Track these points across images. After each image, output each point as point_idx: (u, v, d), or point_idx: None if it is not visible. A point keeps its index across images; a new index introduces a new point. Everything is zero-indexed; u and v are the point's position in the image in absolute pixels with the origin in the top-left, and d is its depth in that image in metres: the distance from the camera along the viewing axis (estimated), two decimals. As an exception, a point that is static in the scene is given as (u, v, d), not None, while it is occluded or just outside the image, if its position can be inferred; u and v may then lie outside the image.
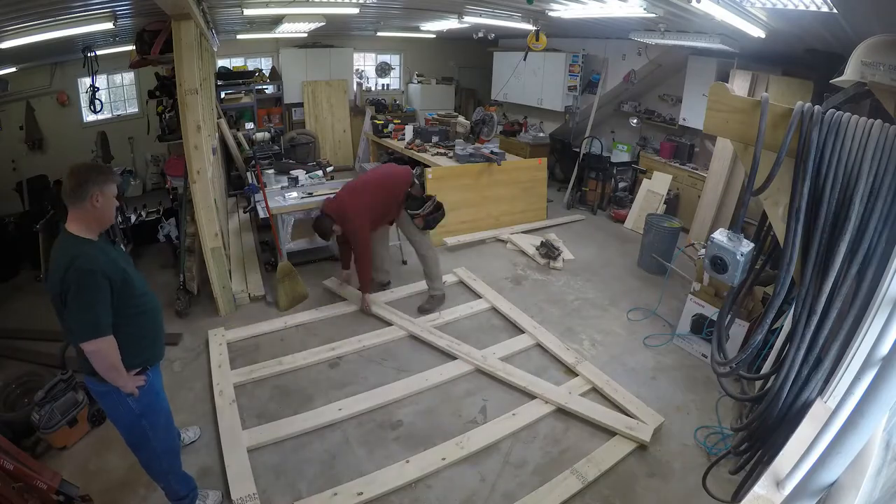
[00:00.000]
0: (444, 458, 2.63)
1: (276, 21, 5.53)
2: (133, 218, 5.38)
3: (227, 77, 7.60)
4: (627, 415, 2.97)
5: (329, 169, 5.25)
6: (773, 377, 1.78)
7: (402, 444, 2.78)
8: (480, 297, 4.32)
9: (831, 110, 1.56)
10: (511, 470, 2.63)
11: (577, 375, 3.34)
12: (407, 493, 2.47)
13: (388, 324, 3.87)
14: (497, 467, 2.64)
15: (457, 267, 4.82)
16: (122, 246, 4.22)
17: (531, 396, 3.12)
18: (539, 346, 3.67)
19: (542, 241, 5.18)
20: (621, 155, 7.06)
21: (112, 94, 7.06)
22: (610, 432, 2.86)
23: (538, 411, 3.00)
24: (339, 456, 2.69)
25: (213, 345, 3.53)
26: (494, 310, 4.15)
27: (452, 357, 3.49)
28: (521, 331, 3.84)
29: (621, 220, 6.35)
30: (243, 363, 3.39)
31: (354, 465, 2.63)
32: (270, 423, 2.86)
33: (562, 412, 3.01)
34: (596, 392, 3.19)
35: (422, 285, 4.43)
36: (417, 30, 7.73)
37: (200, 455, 2.68)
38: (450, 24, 6.48)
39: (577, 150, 6.94)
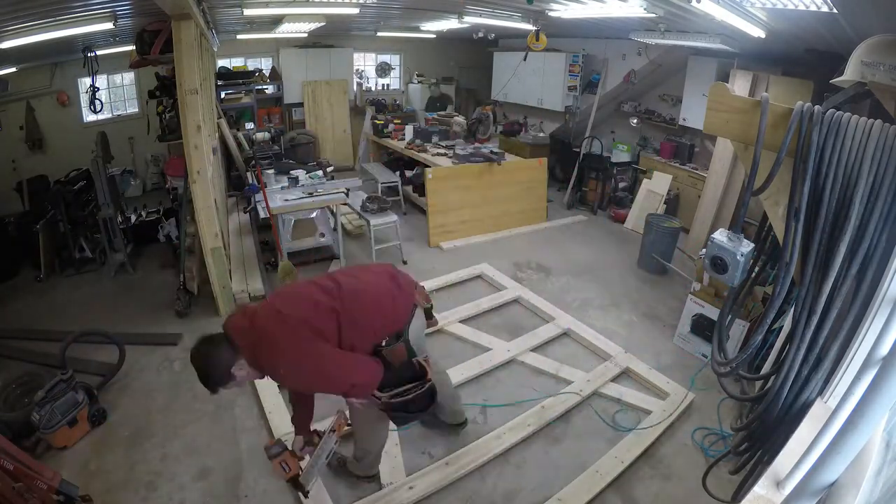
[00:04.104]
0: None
1: (276, 21, 5.53)
2: (133, 218, 5.39)
3: (227, 77, 7.59)
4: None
5: (329, 169, 5.24)
6: (773, 377, 1.79)
7: (402, 445, 2.77)
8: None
9: (831, 110, 1.57)
10: (511, 470, 2.63)
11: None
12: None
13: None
14: (497, 467, 2.64)
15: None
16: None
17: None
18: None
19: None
20: (621, 155, 7.05)
21: (112, 94, 7.06)
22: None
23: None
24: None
25: None
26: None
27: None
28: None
29: (621, 220, 6.34)
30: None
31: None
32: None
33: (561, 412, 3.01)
34: (597, 394, 3.20)
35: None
36: (417, 30, 7.72)
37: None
38: (450, 24, 6.48)
39: (578, 150, 6.94)
